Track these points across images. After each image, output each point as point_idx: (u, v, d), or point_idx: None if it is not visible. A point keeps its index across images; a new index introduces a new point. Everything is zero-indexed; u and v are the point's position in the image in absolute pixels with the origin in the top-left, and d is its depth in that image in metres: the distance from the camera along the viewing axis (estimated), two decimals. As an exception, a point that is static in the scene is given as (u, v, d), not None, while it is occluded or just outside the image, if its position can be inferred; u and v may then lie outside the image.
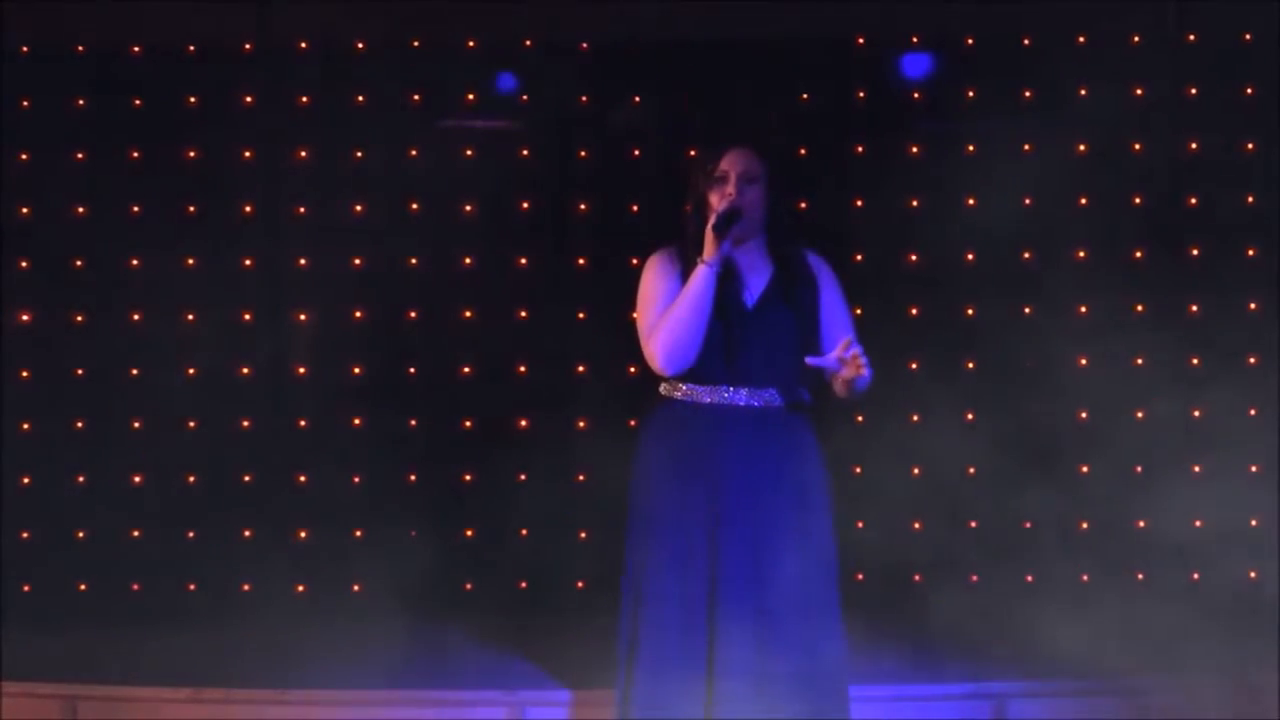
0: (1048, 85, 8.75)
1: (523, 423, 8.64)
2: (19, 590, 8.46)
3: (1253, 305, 8.63)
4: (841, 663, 5.85)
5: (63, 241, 8.61)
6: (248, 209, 8.68)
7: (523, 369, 8.67)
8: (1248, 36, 8.63)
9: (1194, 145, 8.74)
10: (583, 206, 8.76)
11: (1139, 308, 8.76)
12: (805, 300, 5.90)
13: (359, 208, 8.71)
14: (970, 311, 8.75)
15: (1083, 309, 8.75)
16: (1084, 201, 8.77)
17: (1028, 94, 8.77)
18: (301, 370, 8.71)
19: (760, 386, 5.84)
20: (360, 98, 8.67)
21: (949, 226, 8.66)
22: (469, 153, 8.71)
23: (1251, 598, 8.21)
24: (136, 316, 8.62)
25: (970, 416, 8.67)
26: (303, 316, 8.69)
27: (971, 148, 8.73)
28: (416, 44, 8.67)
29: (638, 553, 5.92)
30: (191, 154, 8.63)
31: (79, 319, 8.63)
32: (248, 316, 8.70)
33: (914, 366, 8.68)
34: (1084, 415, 8.71)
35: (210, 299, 8.66)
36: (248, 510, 8.62)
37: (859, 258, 8.61)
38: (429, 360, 8.73)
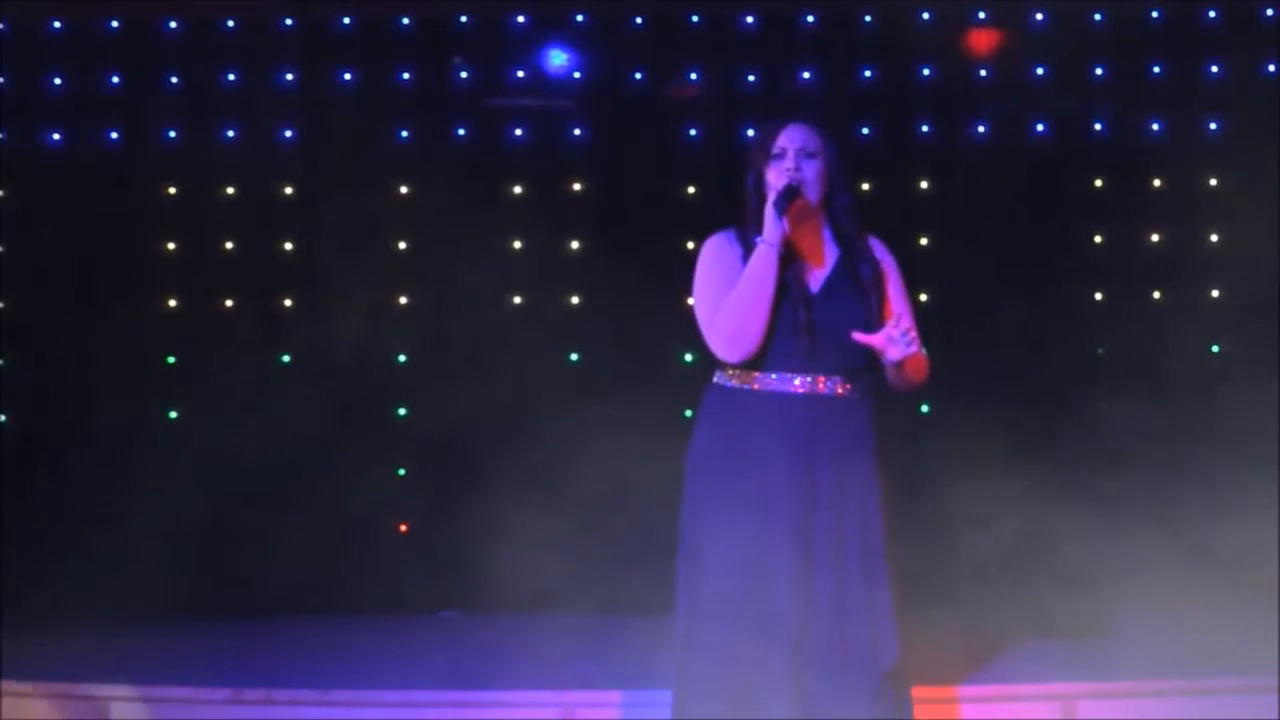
0: (1123, 64, 8.65)
1: (571, 413, 8.48)
2: (49, 588, 8.37)
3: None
4: (895, 661, 5.62)
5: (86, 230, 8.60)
6: (288, 190, 8.57)
7: (572, 356, 8.60)
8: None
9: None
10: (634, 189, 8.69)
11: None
12: (873, 285, 5.69)
13: (403, 190, 8.57)
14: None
15: (1157, 294, 8.73)
16: (1157, 184, 8.65)
17: (1100, 72, 8.66)
18: (340, 354, 8.62)
19: (827, 374, 5.62)
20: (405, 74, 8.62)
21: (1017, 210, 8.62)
22: (518, 132, 8.60)
23: None
24: (172, 302, 8.60)
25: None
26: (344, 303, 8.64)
27: (1041, 128, 8.64)
28: (465, 19, 8.54)
29: (693, 548, 5.70)
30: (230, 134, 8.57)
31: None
32: (287, 303, 8.69)
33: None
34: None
35: (250, 286, 8.67)
36: (284, 502, 8.53)
37: (923, 241, 8.45)
38: (469, 347, 8.63)
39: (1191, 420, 8.55)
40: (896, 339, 5.43)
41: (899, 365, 5.52)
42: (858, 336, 5.50)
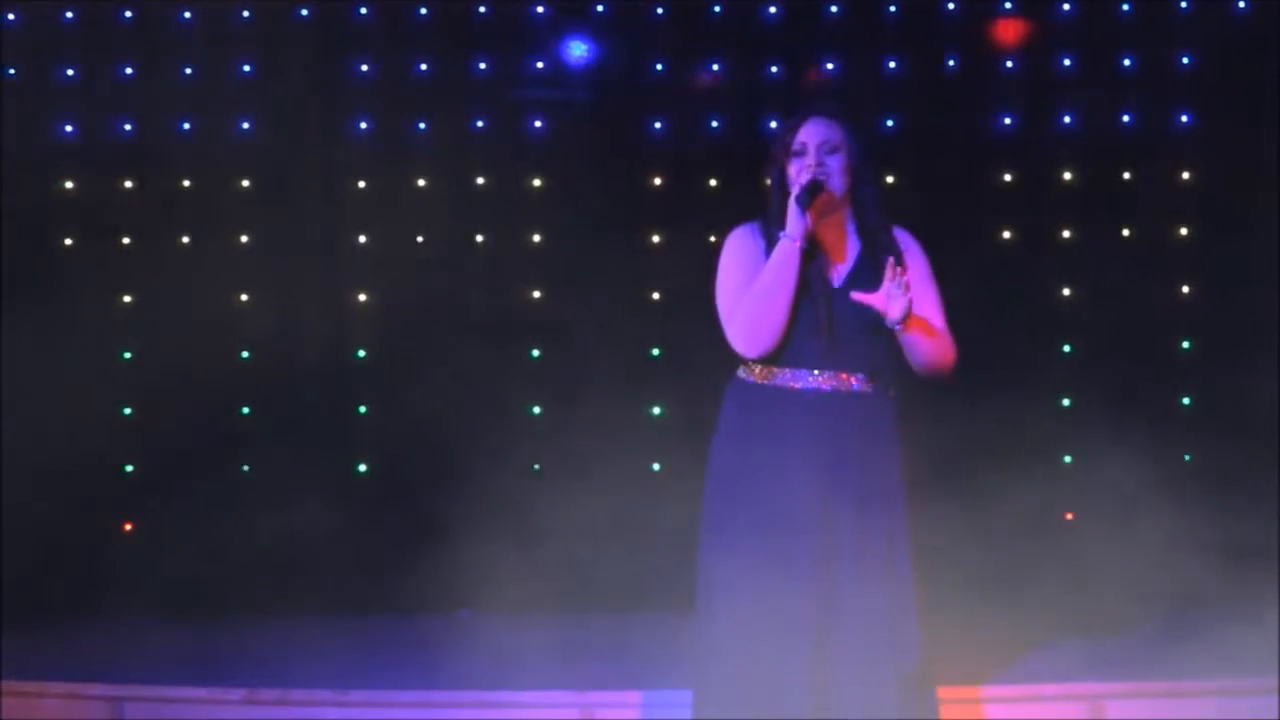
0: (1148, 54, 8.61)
1: (593, 410, 8.44)
2: (65, 585, 8.37)
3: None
4: (916, 662, 5.59)
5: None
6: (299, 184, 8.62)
7: (593, 352, 8.52)
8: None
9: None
10: (657, 181, 8.60)
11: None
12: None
13: (421, 183, 8.54)
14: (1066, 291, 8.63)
15: (1185, 289, 8.66)
16: (1186, 176, 8.63)
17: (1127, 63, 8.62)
18: (361, 354, 8.63)
19: (847, 370, 5.59)
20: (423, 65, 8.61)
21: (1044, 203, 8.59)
22: (537, 124, 8.58)
23: None
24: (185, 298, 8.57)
25: (1066, 402, 8.59)
26: (362, 297, 8.62)
27: (1068, 119, 8.61)
28: (482, 10, 8.48)
29: (714, 547, 5.67)
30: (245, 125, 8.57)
31: (127, 300, 8.62)
32: (309, 300, 8.65)
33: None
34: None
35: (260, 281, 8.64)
36: (298, 502, 8.43)
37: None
38: (493, 341, 8.59)
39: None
40: (894, 293, 5.37)
41: (904, 327, 5.44)
42: (856, 296, 5.44)
